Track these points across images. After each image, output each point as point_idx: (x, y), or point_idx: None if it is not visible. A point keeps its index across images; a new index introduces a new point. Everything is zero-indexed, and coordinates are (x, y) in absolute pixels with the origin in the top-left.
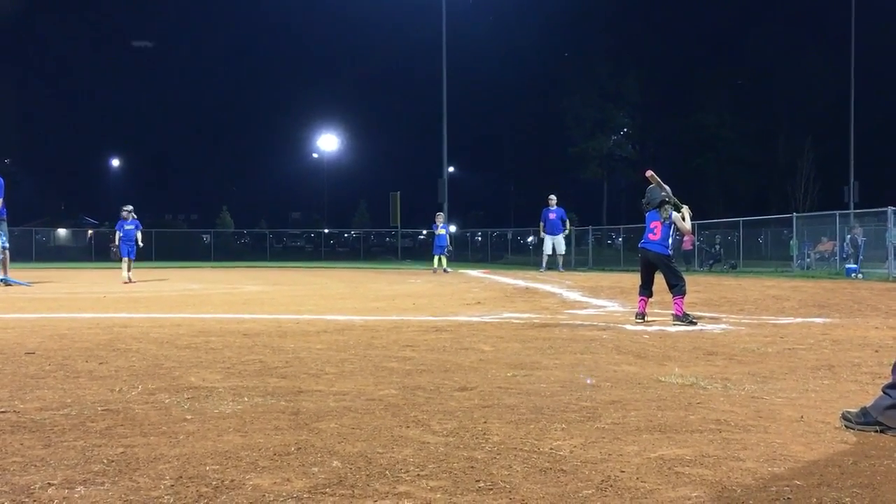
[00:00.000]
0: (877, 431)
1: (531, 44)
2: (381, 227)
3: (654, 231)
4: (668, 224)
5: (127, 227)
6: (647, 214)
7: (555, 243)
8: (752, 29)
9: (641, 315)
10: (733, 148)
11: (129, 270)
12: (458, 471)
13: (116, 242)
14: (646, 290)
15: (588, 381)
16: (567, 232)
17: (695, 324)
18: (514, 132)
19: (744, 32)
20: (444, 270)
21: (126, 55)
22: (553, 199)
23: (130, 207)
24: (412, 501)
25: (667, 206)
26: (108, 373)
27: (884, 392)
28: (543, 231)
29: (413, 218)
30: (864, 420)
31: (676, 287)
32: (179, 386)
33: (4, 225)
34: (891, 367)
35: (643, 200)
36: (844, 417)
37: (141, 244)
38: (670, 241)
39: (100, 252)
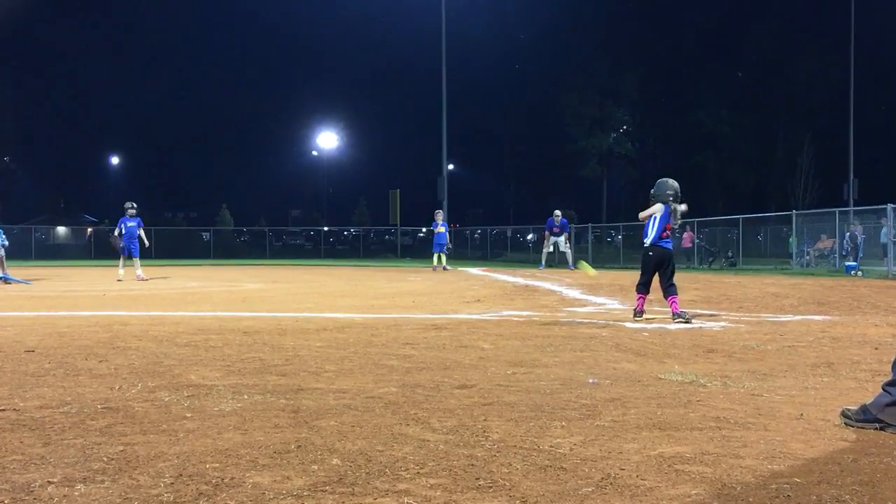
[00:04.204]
0: (876, 429)
1: (530, 41)
2: (380, 225)
3: (668, 229)
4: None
5: (129, 224)
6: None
7: (556, 241)
8: (750, 25)
9: (640, 313)
10: (732, 145)
11: (122, 268)
12: (457, 469)
13: (116, 234)
14: (646, 288)
15: (591, 381)
16: (566, 238)
17: (690, 322)
18: (513, 130)
19: (743, 29)
20: (444, 268)
21: (126, 53)
22: (558, 213)
23: (133, 204)
24: (412, 499)
25: (676, 209)
26: (107, 371)
27: (883, 389)
28: (548, 236)
29: (413, 216)
30: (863, 417)
31: (674, 286)
32: (179, 384)
33: None
34: (890, 365)
35: (652, 192)
36: (844, 415)
37: (146, 243)
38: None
39: (100, 250)
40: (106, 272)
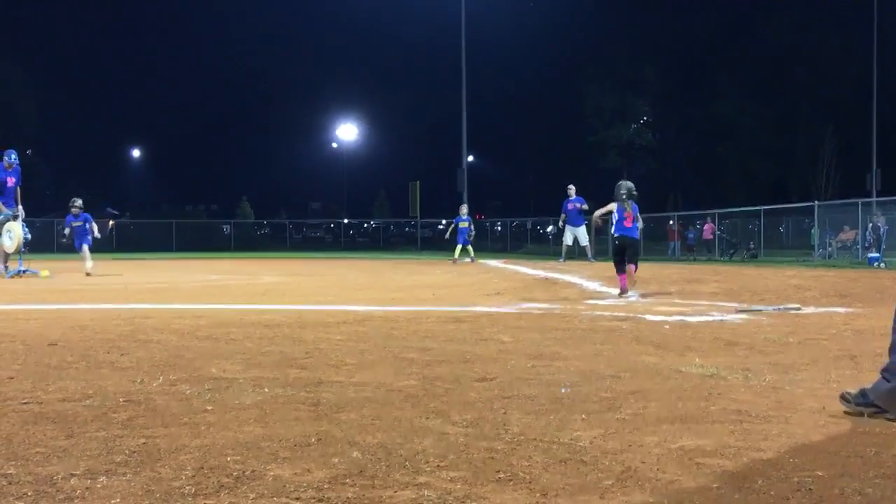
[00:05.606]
0: (872, 414)
1: (550, 33)
2: (400, 217)
3: (627, 219)
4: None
5: (75, 224)
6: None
7: (576, 235)
8: (771, 14)
9: (623, 290)
10: (753, 136)
11: (88, 261)
12: (477, 461)
13: (67, 233)
14: (621, 267)
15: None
16: (584, 207)
17: (625, 299)
18: (533, 121)
19: (763, 18)
20: (471, 259)
21: (147, 45)
22: (572, 188)
23: (76, 201)
24: (432, 492)
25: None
26: (129, 364)
27: (882, 376)
28: (564, 222)
29: (433, 208)
30: (862, 401)
31: (634, 264)
32: (200, 377)
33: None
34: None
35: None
36: (843, 398)
37: (97, 235)
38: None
39: (121, 243)
40: (127, 265)
